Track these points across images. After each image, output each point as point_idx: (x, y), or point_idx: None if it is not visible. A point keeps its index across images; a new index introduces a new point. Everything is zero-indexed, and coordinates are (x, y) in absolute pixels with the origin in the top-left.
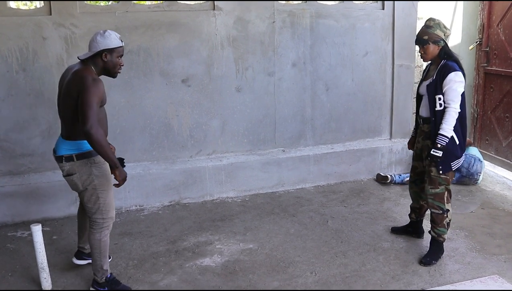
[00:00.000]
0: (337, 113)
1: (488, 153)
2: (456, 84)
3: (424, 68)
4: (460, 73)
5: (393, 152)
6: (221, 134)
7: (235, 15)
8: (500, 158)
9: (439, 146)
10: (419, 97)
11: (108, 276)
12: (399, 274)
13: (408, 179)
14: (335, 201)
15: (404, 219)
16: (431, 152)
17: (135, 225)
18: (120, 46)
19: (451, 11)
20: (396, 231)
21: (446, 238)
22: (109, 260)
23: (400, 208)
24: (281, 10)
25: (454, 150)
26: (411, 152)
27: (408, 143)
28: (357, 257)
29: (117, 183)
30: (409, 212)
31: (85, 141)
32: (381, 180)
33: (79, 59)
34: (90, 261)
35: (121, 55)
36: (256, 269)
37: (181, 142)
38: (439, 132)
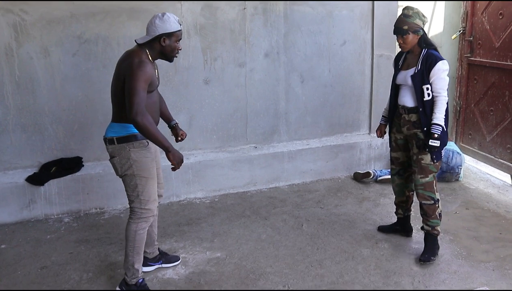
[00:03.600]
0: (313, 106)
1: (471, 148)
2: (443, 73)
3: (395, 57)
4: (446, 61)
5: (372, 147)
6: (188, 130)
7: (202, 1)
8: (483, 153)
9: (436, 135)
10: (396, 87)
11: (140, 281)
12: (380, 286)
13: (388, 176)
14: (310, 201)
15: (384, 221)
16: (430, 143)
17: (93, 230)
18: (179, 30)
19: None
20: (383, 230)
21: (440, 230)
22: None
23: (380, 208)
24: None
25: (444, 138)
26: None
27: (376, 131)
28: (334, 267)
29: (173, 166)
30: (395, 209)
31: (129, 124)
32: (362, 177)
33: (136, 42)
34: (156, 266)
35: (180, 39)
36: (223, 282)
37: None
38: (434, 122)
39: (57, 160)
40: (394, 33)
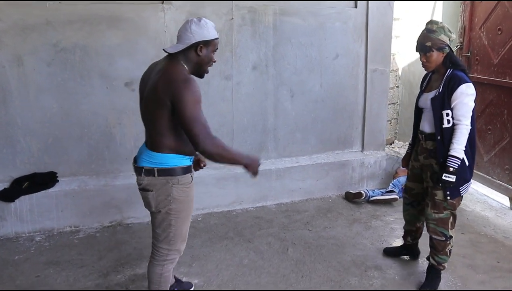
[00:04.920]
0: (303, 122)
1: None
2: (467, 98)
3: (423, 78)
4: (471, 85)
5: (364, 166)
6: None
7: (186, 10)
8: (480, 173)
9: (451, 169)
10: (418, 111)
11: None
12: None
13: (381, 197)
14: (298, 223)
15: (375, 246)
16: (443, 177)
17: (65, 251)
18: (217, 38)
19: (429, 12)
20: (389, 253)
21: (446, 266)
22: None
23: (371, 232)
24: (241, 6)
25: (463, 173)
26: (384, 165)
27: (402, 160)
28: None
29: (254, 176)
30: (403, 235)
31: (172, 155)
32: (353, 198)
33: (166, 52)
34: None
35: (216, 49)
36: None
37: (124, 154)
38: (451, 153)
39: (30, 175)
40: (416, 50)
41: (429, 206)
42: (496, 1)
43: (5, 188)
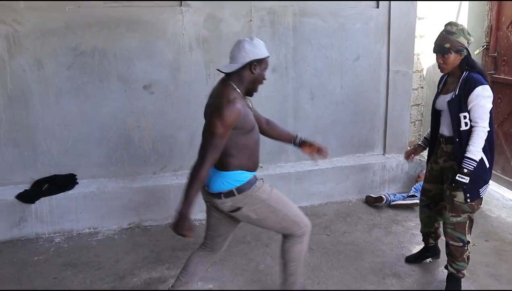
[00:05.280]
0: (324, 125)
1: (493, 172)
2: (484, 100)
3: (439, 79)
4: (487, 86)
5: (386, 169)
6: (189, 148)
7: (205, 12)
8: (507, 178)
9: (465, 171)
10: (436, 113)
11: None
12: None
13: (402, 201)
14: (317, 227)
15: (394, 252)
16: (456, 177)
17: (83, 253)
18: (268, 56)
19: (455, 10)
20: (411, 260)
21: (466, 273)
22: None
23: (391, 237)
24: (259, 7)
25: (483, 174)
26: (406, 169)
27: (406, 152)
28: None
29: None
30: (422, 238)
31: (240, 170)
32: (374, 202)
33: (221, 72)
34: None
35: (267, 67)
36: None
37: (143, 157)
38: (466, 155)
39: (50, 177)
40: (433, 52)
41: (447, 209)
42: None
43: (25, 190)
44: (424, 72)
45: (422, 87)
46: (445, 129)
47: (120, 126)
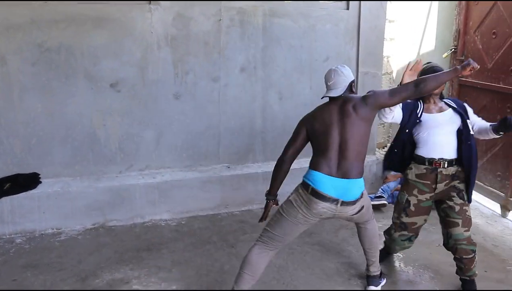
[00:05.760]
0: (292, 125)
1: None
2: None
3: (411, 107)
4: None
5: None
6: (156, 148)
7: (174, 11)
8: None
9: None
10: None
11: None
12: None
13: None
14: None
15: (360, 254)
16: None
17: (45, 254)
18: None
19: (424, 14)
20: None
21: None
22: None
23: (357, 238)
24: (229, 7)
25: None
26: (374, 170)
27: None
28: None
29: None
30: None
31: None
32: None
33: (329, 97)
34: (383, 282)
35: None
36: None
37: (108, 156)
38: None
39: (12, 176)
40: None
41: (459, 225)
42: (492, 3)
43: None
44: (394, 74)
45: None
46: (446, 152)
47: (85, 125)
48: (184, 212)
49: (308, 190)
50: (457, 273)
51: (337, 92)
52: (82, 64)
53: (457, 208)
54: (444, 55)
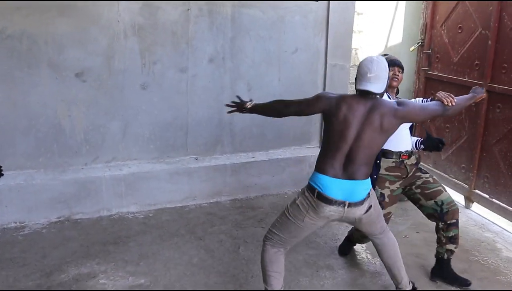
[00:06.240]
0: (260, 117)
1: (426, 165)
2: None
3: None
4: None
5: None
6: (123, 139)
7: (141, 1)
8: (438, 171)
9: None
10: None
11: None
12: None
13: None
14: (252, 220)
15: (328, 245)
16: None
17: (8, 248)
18: None
19: (392, 7)
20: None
21: None
22: None
23: (325, 230)
24: None
25: None
26: None
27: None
28: None
29: None
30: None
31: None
32: None
33: (375, 93)
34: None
35: None
36: None
37: (74, 147)
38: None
39: None
40: (392, 65)
41: (443, 191)
42: (457, 1)
43: None
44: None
45: None
46: (405, 146)
47: (50, 115)
48: (152, 205)
49: (314, 193)
50: (444, 255)
51: (378, 88)
52: (46, 53)
53: (431, 179)
54: (411, 49)
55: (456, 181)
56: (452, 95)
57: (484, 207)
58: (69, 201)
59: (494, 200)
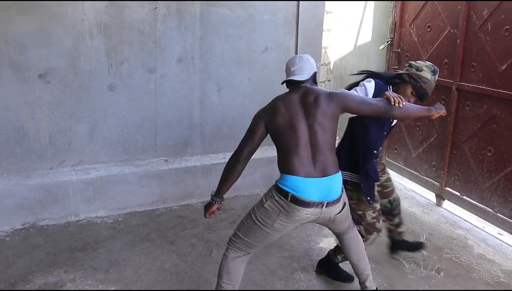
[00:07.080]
0: (231, 117)
1: (396, 163)
2: None
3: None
4: None
5: None
6: (90, 142)
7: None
8: (409, 169)
9: None
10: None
11: None
12: None
13: None
14: (224, 222)
15: (302, 247)
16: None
17: None
18: None
19: (361, 6)
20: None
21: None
22: None
23: (299, 231)
24: None
25: None
26: None
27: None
28: None
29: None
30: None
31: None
32: None
33: (294, 80)
34: None
35: None
36: None
37: (38, 151)
38: None
39: None
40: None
41: (394, 190)
42: (425, 0)
43: None
44: (331, 65)
45: (329, 80)
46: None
47: (12, 118)
48: (121, 209)
49: (287, 198)
50: (395, 237)
51: (302, 76)
52: (6, 53)
53: (389, 176)
54: (380, 47)
55: (427, 178)
56: (402, 98)
57: (455, 204)
58: (34, 207)
59: (465, 197)
